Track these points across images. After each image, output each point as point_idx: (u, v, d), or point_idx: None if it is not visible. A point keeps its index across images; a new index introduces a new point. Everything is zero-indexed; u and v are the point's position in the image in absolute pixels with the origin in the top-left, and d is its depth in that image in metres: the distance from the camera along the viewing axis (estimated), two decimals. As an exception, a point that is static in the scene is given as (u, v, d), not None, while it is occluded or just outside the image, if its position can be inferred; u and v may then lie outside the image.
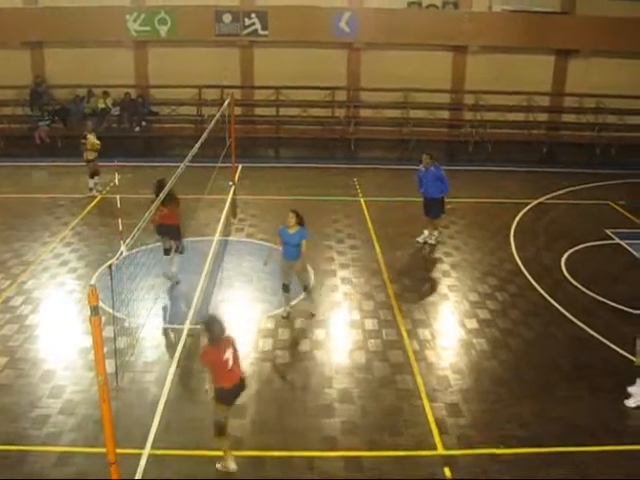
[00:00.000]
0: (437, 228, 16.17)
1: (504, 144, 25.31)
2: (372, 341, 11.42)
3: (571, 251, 15.57)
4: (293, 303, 12.51)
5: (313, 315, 12.28)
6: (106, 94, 25.77)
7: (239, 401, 8.37)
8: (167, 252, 13.41)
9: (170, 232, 13.11)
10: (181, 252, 13.45)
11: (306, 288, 12.44)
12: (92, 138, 18.82)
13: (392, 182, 21.33)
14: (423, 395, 9.86)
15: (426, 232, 16.00)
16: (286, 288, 12.09)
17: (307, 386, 10.08)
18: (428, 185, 15.55)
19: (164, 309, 12.53)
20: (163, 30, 24.85)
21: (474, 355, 11.07)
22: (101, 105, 25.67)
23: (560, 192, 20.12)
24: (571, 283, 13.88)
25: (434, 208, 15.78)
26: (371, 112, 26.56)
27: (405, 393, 9.95)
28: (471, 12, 25.55)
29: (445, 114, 27.08)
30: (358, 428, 9.16)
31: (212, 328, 7.95)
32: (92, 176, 18.90)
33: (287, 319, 12.10)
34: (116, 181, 16.45)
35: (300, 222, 11.80)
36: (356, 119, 26.46)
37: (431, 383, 10.19)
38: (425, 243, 15.98)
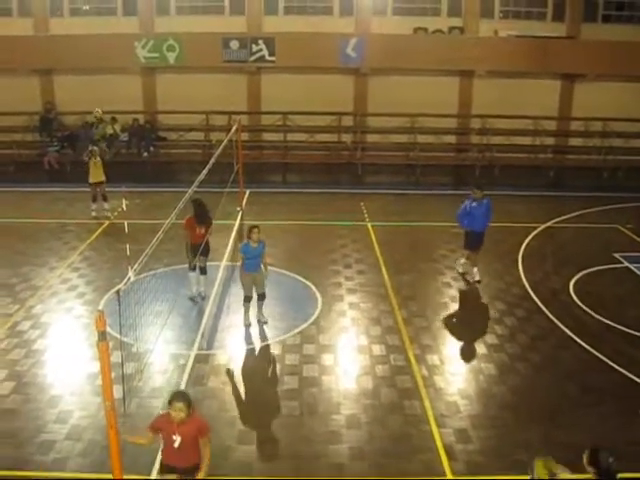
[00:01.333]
0: (469, 258, 15.55)
1: (511, 168, 25.36)
2: (380, 366, 11.38)
3: (579, 275, 15.52)
4: (300, 329, 12.52)
5: (265, 322, 12.84)
6: (114, 120, 25.99)
7: (247, 426, 8.30)
8: (194, 268, 13.85)
9: (203, 249, 13.67)
10: (203, 273, 13.94)
11: (263, 296, 12.83)
12: (97, 162, 19.06)
13: (399, 207, 21.36)
14: (431, 421, 9.80)
15: (475, 269, 15.31)
16: (249, 299, 12.69)
17: (314, 412, 10.03)
18: (477, 219, 14.91)
19: (172, 334, 12.52)
20: (171, 57, 25.09)
21: (482, 380, 11.01)
22: (109, 131, 25.90)
23: (568, 216, 20.09)
24: (579, 307, 13.82)
25: (479, 242, 15.24)
26: (378, 137, 26.72)
27: (413, 419, 9.89)
28: (477, 37, 25.72)
29: (452, 138, 27.20)
30: (366, 454, 9.10)
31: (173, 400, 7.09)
32: (94, 199, 19.08)
33: (249, 326, 12.71)
34: (124, 206, 16.52)
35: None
36: (363, 144, 26.59)
37: (439, 409, 10.13)
38: (478, 282, 15.24)
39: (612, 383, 10.95)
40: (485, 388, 10.78)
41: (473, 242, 15.26)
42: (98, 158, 19.13)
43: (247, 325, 12.70)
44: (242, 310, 12.70)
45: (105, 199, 19.06)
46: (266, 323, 12.80)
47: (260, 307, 12.90)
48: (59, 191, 22.13)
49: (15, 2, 26.25)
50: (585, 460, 6.39)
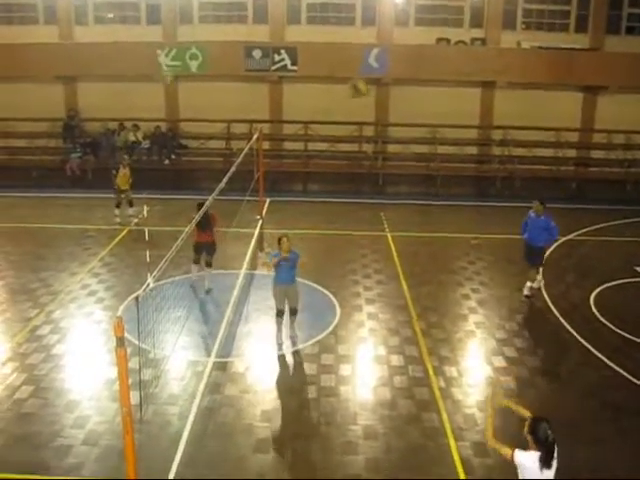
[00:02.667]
0: (538, 273, 15.02)
1: (532, 180, 25.20)
2: (398, 378, 11.30)
3: (600, 288, 15.36)
4: (318, 338, 12.47)
5: (292, 337, 12.49)
6: (136, 127, 26.16)
7: (263, 435, 8.24)
8: (196, 261, 14.58)
9: (207, 249, 14.38)
10: (209, 266, 14.56)
11: (295, 311, 12.45)
12: (126, 172, 19.37)
13: (419, 217, 21.32)
14: (449, 433, 9.71)
15: (528, 284, 14.96)
16: (281, 313, 12.34)
17: (331, 422, 9.97)
18: (534, 232, 14.59)
19: (189, 341, 12.53)
20: (194, 65, 25.24)
21: (501, 394, 10.88)
22: (132, 138, 26.08)
23: (589, 229, 19.93)
24: (600, 321, 13.67)
25: (535, 256, 14.83)
26: (399, 147, 26.69)
27: (430, 431, 9.81)
28: (499, 48, 25.66)
29: (473, 150, 27.13)
30: (382, 466, 9.02)
31: None
32: (118, 205, 19.36)
33: (282, 345, 12.29)
34: (145, 213, 16.62)
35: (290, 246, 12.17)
36: (384, 154, 26.57)
37: (457, 421, 10.04)
38: (528, 297, 14.89)
39: (633, 398, 10.81)
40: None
41: (528, 255, 14.90)
42: (127, 168, 19.45)
43: (280, 344, 12.36)
44: (260, 317, 12.67)
45: (131, 204, 19.38)
46: (295, 340, 12.50)
47: (292, 323, 12.55)
48: (81, 197, 22.27)
49: (41, 10, 26.58)
50: (526, 429, 6.75)
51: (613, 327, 13.33)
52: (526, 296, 14.83)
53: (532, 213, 14.80)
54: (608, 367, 11.77)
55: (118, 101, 25.93)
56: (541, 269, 14.97)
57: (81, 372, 11.22)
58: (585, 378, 11.51)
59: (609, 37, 26.23)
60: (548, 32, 26.38)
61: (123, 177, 19.31)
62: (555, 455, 6.62)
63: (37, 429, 9.55)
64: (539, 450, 6.57)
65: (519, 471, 6.68)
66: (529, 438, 6.66)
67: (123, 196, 19.32)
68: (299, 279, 12.63)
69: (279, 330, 12.45)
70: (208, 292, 14.43)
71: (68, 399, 10.37)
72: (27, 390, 10.58)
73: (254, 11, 26.41)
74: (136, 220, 18.89)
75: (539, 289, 15.07)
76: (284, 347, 12.26)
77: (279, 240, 12.17)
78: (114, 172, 19.43)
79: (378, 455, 9.24)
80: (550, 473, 6.61)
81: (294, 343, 12.42)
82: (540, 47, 25.40)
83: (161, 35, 26.25)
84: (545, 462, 6.58)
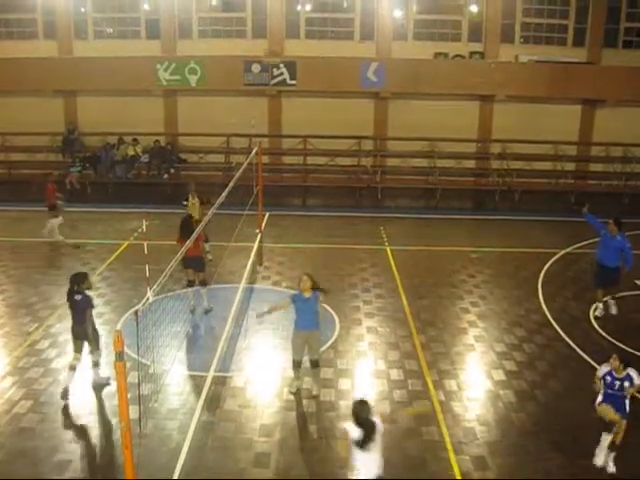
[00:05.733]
0: (608, 295, 14.61)
1: (531, 193, 25.31)
2: (397, 392, 11.29)
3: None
4: (320, 350, 12.47)
5: (315, 396, 11.10)
6: (135, 141, 26.23)
7: (263, 449, 8.22)
8: (191, 284, 14.18)
9: (194, 264, 13.89)
10: (204, 285, 14.20)
11: (317, 363, 11.17)
12: (197, 203, 16.91)
13: (418, 231, 21.34)
14: (449, 447, 9.70)
15: (601, 305, 14.53)
16: (299, 364, 11.12)
17: (332, 436, 9.95)
18: (607, 253, 14.21)
19: (189, 356, 12.52)
20: (193, 79, 25.36)
21: (501, 407, 10.89)
22: (130, 152, 26.12)
23: (588, 241, 19.89)
24: (600, 334, 13.67)
25: (607, 277, 14.33)
26: (398, 161, 26.77)
27: (430, 445, 9.80)
28: (497, 62, 25.78)
29: (471, 163, 27.22)
30: (383, 480, 9.00)
31: None
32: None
33: (296, 394, 11.15)
34: (144, 227, 16.61)
35: (314, 286, 10.87)
36: (383, 168, 26.63)
37: (457, 435, 10.02)
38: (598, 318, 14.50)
39: (634, 411, 10.76)
40: (504, 415, 10.66)
41: (600, 276, 14.48)
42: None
43: (292, 392, 11.13)
44: (259, 332, 12.60)
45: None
46: (317, 397, 11.10)
47: (315, 377, 11.22)
48: (80, 211, 22.29)
49: (41, 25, 26.72)
50: (352, 410, 7.30)
51: (614, 340, 13.31)
52: (596, 317, 14.48)
53: (606, 232, 14.42)
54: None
55: (117, 115, 26.04)
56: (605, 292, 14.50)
57: (80, 386, 11.19)
58: (586, 391, 11.44)
59: (606, 51, 26.37)
60: (546, 46, 26.52)
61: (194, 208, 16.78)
62: (374, 438, 7.21)
63: (36, 444, 9.53)
64: (360, 430, 7.19)
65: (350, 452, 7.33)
66: (353, 420, 7.26)
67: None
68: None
69: (296, 379, 11.22)
70: (207, 312, 14.24)
71: (67, 414, 10.35)
72: (26, 405, 10.56)
73: (253, 25, 26.54)
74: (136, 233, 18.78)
75: (606, 311, 14.67)
76: (283, 361, 12.23)
77: (299, 279, 11.06)
78: (184, 203, 17.25)
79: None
80: (368, 457, 7.26)
81: (281, 350, 12.21)
82: (538, 61, 25.55)
83: (160, 50, 26.37)
84: (363, 443, 7.16)
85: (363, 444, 7.17)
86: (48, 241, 18.86)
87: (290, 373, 11.65)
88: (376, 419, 7.36)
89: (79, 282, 10.98)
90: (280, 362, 12.20)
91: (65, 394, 10.72)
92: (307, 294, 10.81)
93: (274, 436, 9.92)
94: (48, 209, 18.92)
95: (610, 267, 14.22)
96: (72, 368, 10.95)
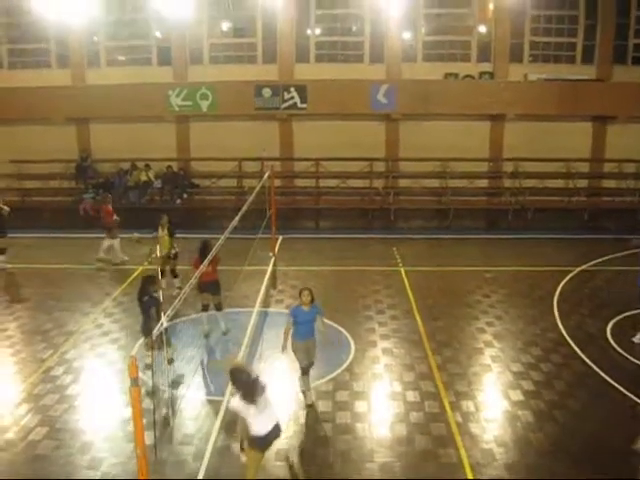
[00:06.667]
0: None
1: (544, 211, 25.20)
2: (414, 413, 11.19)
3: (617, 319, 15.21)
4: (333, 375, 12.41)
5: (310, 405, 11.45)
6: (148, 167, 26.38)
7: (279, 473, 8.21)
8: (205, 308, 14.14)
9: (211, 288, 13.87)
10: (219, 309, 14.18)
11: (312, 365, 11.62)
12: (165, 236, 16.80)
13: (432, 251, 21.28)
14: (467, 469, 9.58)
15: None
16: (307, 371, 11.54)
17: (348, 459, 9.86)
18: None
19: (204, 380, 12.48)
20: (204, 105, 25.53)
21: (519, 428, 10.76)
22: (143, 178, 26.27)
23: (603, 259, 19.82)
24: (618, 352, 13.52)
25: None
26: (410, 182, 26.75)
27: (448, 467, 9.68)
28: (507, 81, 25.81)
29: (484, 182, 27.17)
30: (400, 504, 8.91)
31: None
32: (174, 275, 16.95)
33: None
34: (158, 253, 16.67)
35: (312, 299, 11.36)
36: (395, 189, 26.63)
37: (475, 457, 9.90)
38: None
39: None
40: (522, 435, 10.53)
41: None
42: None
43: (309, 405, 11.46)
44: (274, 356, 12.56)
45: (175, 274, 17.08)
46: (311, 406, 11.49)
47: (306, 384, 11.66)
48: (94, 237, 22.34)
49: (54, 54, 27.04)
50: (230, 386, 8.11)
51: (631, 358, 13.18)
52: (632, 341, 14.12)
53: None
54: (629, 399, 11.60)
55: (130, 141, 26.24)
56: None
57: (95, 413, 11.17)
58: (604, 410, 11.35)
59: (616, 67, 26.35)
60: (555, 64, 26.55)
61: (163, 241, 16.81)
62: (260, 391, 7.98)
63: (52, 470, 9.50)
64: (240, 391, 7.95)
65: (245, 421, 8.12)
66: (235, 391, 8.06)
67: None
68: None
69: (308, 389, 11.61)
70: (226, 333, 14.26)
71: (82, 440, 10.32)
72: (41, 431, 10.53)
73: (263, 50, 26.75)
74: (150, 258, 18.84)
75: None
76: (299, 385, 12.16)
77: (300, 292, 11.47)
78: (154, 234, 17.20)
79: (396, 493, 9.11)
80: (258, 409, 8.05)
81: (305, 393, 11.82)
82: (547, 79, 25.57)
83: (172, 76, 26.60)
84: (247, 397, 7.88)
85: (248, 399, 7.92)
86: (61, 267, 18.95)
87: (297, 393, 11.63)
88: (257, 376, 8.34)
89: (148, 285, 12.12)
90: (295, 386, 12.13)
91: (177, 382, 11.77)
92: (307, 307, 11.30)
93: (290, 460, 9.84)
94: (106, 231, 19.38)
95: None
96: (148, 367, 11.29)
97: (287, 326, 11.46)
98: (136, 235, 19.26)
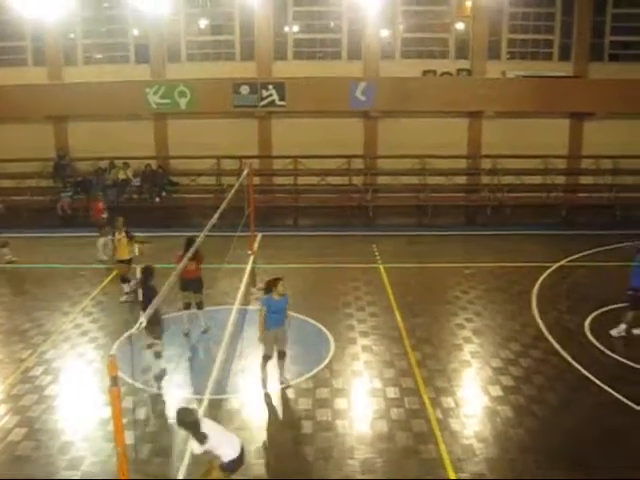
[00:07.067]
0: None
1: (522, 208, 25.35)
2: (394, 410, 11.22)
3: (595, 314, 15.33)
4: (313, 373, 12.42)
5: (288, 386, 11.97)
6: (126, 165, 26.23)
7: (260, 471, 8.20)
8: (187, 306, 14.09)
9: (194, 286, 13.90)
10: (200, 308, 14.21)
11: (284, 354, 11.99)
12: (123, 239, 16.35)
13: (411, 248, 21.33)
14: (448, 465, 9.62)
15: (623, 326, 14.02)
16: (269, 358, 11.93)
17: (329, 457, 9.87)
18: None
19: (184, 379, 12.43)
20: (183, 102, 25.43)
21: (499, 423, 10.82)
22: (122, 176, 26.11)
23: (581, 254, 19.97)
24: (596, 347, 13.63)
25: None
26: (388, 179, 26.78)
27: (429, 463, 9.71)
28: (485, 78, 25.94)
29: (462, 179, 27.29)
30: (382, 500, 8.93)
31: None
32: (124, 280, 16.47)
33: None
34: (136, 251, 16.59)
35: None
36: (373, 186, 26.66)
37: (456, 452, 9.95)
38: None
39: (632, 424, 10.75)
40: (502, 431, 10.60)
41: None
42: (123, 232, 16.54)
43: (267, 384, 11.95)
44: (254, 353, 12.57)
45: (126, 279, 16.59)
46: (289, 387, 11.98)
47: (282, 367, 12.08)
48: (72, 236, 22.22)
49: (30, 52, 26.81)
50: (177, 425, 8.10)
51: (609, 352, 13.30)
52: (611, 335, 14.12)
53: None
54: (606, 393, 11.70)
55: (108, 140, 26.05)
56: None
57: (75, 413, 11.09)
58: (583, 404, 11.46)
59: (593, 64, 26.60)
60: (532, 61, 26.75)
61: (120, 244, 16.40)
62: (202, 432, 7.93)
63: (31, 472, 9.42)
64: (190, 431, 8.03)
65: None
66: (182, 429, 8.15)
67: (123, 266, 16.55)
68: (292, 313, 12.55)
69: (265, 377, 12.01)
70: (205, 331, 14.24)
71: (62, 441, 10.24)
72: (20, 432, 10.44)
73: (241, 48, 26.68)
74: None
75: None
76: (278, 383, 12.16)
77: (274, 282, 11.69)
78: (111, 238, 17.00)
79: (377, 489, 9.14)
80: (218, 438, 8.08)
81: (285, 387, 12.08)
82: (525, 76, 25.72)
83: (149, 74, 26.46)
84: (196, 437, 7.93)
85: (199, 437, 7.95)
86: (39, 267, 18.83)
87: (286, 394, 11.62)
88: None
89: (147, 275, 12.34)
90: (276, 383, 12.12)
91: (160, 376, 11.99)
92: (278, 297, 11.62)
93: (271, 458, 9.84)
94: (98, 228, 19.44)
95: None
96: (157, 355, 12.07)
97: (262, 316, 11.67)
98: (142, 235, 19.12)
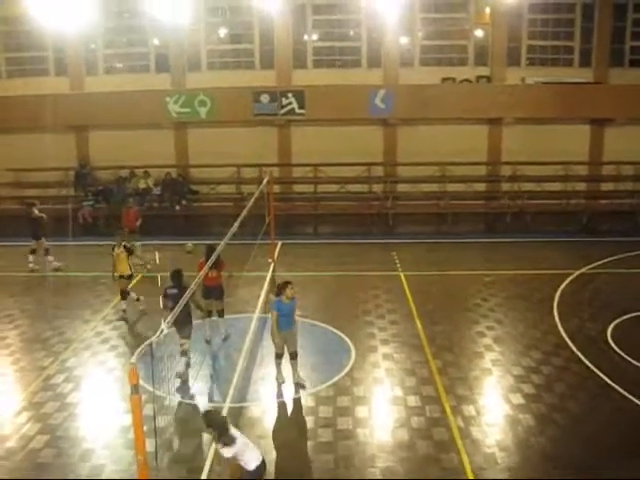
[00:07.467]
0: None
1: (542, 215, 25.18)
2: (415, 418, 11.17)
3: (617, 321, 15.19)
4: (334, 381, 12.40)
5: (300, 384, 12.34)
6: (147, 174, 26.36)
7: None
8: (209, 314, 14.14)
9: (215, 293, 13.99)
10: (221, 315, 14.30)
11: (295, 355, 12.36)
12: (122, 254, 16.01)
13: (431, 256, 21.24)
14: (469, 474, 9.55)
15: None
16: (281, 357, 12.37)
17: (349, 465, 9.84)
18: None
19: (204, 387, 12.45)
20: (203, 111, 25.53)
21: (521, 431, 10.74)
22: (142, 185, 26.24)
23: (602, 261, 19.80)
24: (619, 354, 13.49)
25: None
26: (408, 187, 26.71)
27: (450, 472, 9.65)
28: (504, 85, 25.84)
29: (482, 186, 27.16)
30: (403, 509, 8.87)
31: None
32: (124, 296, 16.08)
33: (283, 383, 12.37)
34: (157, 259, 16.66)
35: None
36: (393, 194, 26.60)
37: (477, 461, 9.87)
38: None
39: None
40: (524, 439, 10.51)
41: None
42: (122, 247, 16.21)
43: (281, 382, 12.39)
44: (274, 362, 12.58)
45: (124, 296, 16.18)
46: (304, 388, 12.26)
47: (295, 368, 12.40)
48: (93, 245, 22.34)
49: (52, 62, 27.06)
50: (205, 425, 7.99)
51: (632, 360, 13.16)
52: None
53: None
54: (629, 401, 11.58)
55: (129, 149, 26.18)
56: None
57: (96, 420, 11.14)
58: (605, 413, 11.33)
59: (613, 70, 26.36)
60: (552, 67, 26.54)
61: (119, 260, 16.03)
62: (230, 434, 7.95)
63: (52, 478, 9.45)
64: (216, 433, 7.97)
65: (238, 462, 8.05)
66: (209, 432, 8.10)
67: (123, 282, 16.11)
68: (312, 321, 12.57)
69: (279, 370, 12.46)
70: (226, 339, 14.31)
71: (83, 448, 10.29)
72: (42, 440, 10.51)
73: (261, 56, 26.77)
74: (149, 266, 18.80)
75: None
76: (300, 390, 12.15)
77: (284, 286, 12.08)
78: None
79: (398, 498, 9.08)
80: (244, 443, 8.08)
81: (301, 389, 12.23)
82: (545, 82, 25.57)
83: (170, 83, 26.61)
84: (224, 439, 7.89)
85: (226, 438, 7.93)
86: (61, 275, 18.96)
87: (306, 402, 11.60)
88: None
89: (176, 278, 12.61)
90: (296, 391, 12.11)
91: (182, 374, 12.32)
92: (287, 300, 12.02)
93: (292, 466, 9.82)
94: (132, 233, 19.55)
95: None
96: (183, 353, 12.46)
97: (274, 320, 12.04)
98: (190, 245, 19.22)
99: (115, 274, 16.02)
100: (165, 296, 12.40)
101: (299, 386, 12.28)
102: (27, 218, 20.04)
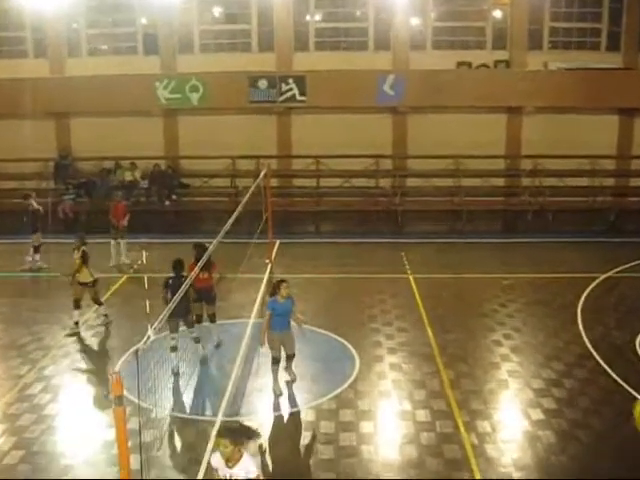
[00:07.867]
0: None
1: (566, 213, 25.19)
2: (425, 434, 11.17)
3: (646, 330, 15.23)
4: (336, 393, 12.42)
5: (293, 381, 12.78)
6: (134, 165, 26.38)
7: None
8: (198, 319, 14.04)
9: (205, 296, 13.97)
10: (213, 321, 14.30)
11: (293, 357, 12.71)
12: (78, 260, 15.66)
13: (444, 257, 21.27)
14: (483, 495, 9.58)
15: None
16: (278, 361, 12.51)
17: (353, 484, 9.87)
18: None
19: (195, 399, 12.47)
20: (195, 98, 25.56)
21: (540, 449, 10.74)
22: (128, 178, 26.26)
23: (631, 264, 19.81)
24: (647, 366, 13.53)
25: None
26: (419, 181, 26.75)
27: (463, 493, 9.68)
28: (525, 71, 25.83)
29: (500, 181, 27.17)
30: (410, 533, 8.89)
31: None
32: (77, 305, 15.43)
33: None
34: (144, 259, 16.67)
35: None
36: (402, 189, 26.62)
37: (492, 482, 9.90)
38: None
39: None
40: (543, 458, 10.51)
41: None
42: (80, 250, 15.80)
43: (279, 394, 12.38)
44: (271, 372, 12.61)
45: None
46: (294, 381, 12.72)
47: (289, 365, 12.76)
48: (73, 242, 22.31)
49: (30, 43, 27.08)
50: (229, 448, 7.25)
51: (661, 372, 13.19)
52: None
53: None
54: (658, 417, 11.59)
55: (114, 138, 26.20)
56: None
57: (76, 434, 11.14)
58: (631, 430, 11.32)
59: (645, 54, 26.41)
60: (577, 51, 26.55)
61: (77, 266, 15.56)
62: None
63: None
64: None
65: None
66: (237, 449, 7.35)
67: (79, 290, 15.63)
68: (313, 327, 12.59)
69: (276, 379, 12.55)
70: (218, 346, 14.33)
71: (62, 464, 10.28)
72: (17, 455, 10.49)
73: (259, 38, 26.78)
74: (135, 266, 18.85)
75: None
76: (299, 403, 12.18)
77: (278, 285, 12.35)
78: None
79: (405, 521, 9.10)
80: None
81: (294, 390, 12.42)
82: (569, 68, 25.56)
83: (159, 66, 26.62)
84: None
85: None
86: (39, 275, 18.96)
87: (306, 416, 11.62)
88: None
89: (177, 268, 13.07)
90: (294, 404, 12.13)
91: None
92: (282, 300, 12.25)
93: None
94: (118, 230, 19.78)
95: None
96: (173, 349, 12.91)
97: (267, 320, 12.30)
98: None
99: (75, 279, 15.39)
100: (166, 286, 12.78)
101: (290, 383, 12.70)
102: (25, 211, 20.31)
